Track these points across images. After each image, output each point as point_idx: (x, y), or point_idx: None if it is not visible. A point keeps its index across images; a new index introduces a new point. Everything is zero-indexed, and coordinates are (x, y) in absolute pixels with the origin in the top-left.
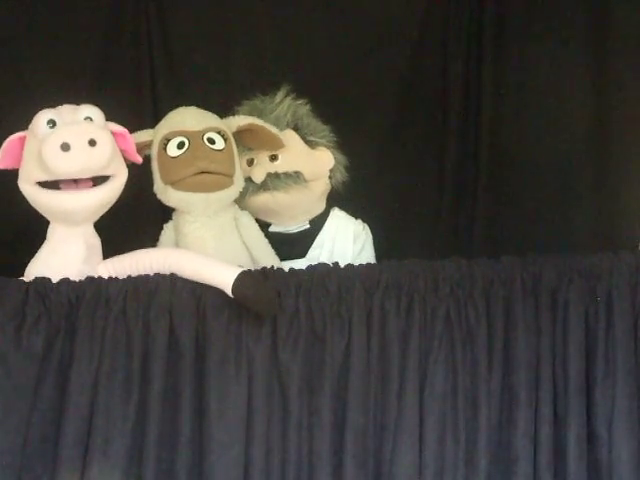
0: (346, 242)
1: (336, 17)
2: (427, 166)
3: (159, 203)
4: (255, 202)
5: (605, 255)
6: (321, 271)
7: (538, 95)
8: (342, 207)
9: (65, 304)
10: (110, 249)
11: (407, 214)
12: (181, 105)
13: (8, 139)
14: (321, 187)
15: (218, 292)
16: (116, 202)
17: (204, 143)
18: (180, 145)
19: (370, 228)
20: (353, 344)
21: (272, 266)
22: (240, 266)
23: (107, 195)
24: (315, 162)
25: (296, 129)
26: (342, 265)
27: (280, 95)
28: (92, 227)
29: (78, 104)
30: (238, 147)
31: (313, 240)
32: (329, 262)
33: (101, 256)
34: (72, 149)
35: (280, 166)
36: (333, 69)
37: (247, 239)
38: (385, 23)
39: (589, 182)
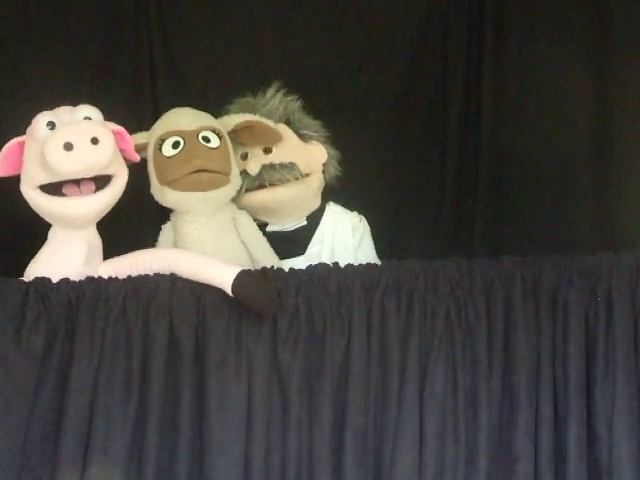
0: (345, 235)
1: (337, 16)
2: (427, 166)
3: (159, 203)
4: (254, 201)
5: (605, 255)
6: (321, 271)
7: (538, 95)
8: (343, 207)
9: (65, 304)
10: (110, 249)
11: (407, 214)
12: (181, 105)
13: (6, 145)
14: (317, 182)
15: (218, 292)
16: (116, 202)
17: (199, 142)
18: (175, 145)
19: (370, 228)
20: (353, 344)
21: (272, 266)
22: (239, 265)
23: (109, 198)
24: (309, 155)
25: (288, 123)
26: (342, 265)
27: (271, 91)
28: (95, 229)
29: (78, 104)
30: (233, 145)
31: (311, 236)
32: (330, 257)
33: (102, 257)
34: (75, 148)
35: (274, 157)
36: (333, 69)
37: (246, 238)
38: (385, 23)
39: (589, 182)
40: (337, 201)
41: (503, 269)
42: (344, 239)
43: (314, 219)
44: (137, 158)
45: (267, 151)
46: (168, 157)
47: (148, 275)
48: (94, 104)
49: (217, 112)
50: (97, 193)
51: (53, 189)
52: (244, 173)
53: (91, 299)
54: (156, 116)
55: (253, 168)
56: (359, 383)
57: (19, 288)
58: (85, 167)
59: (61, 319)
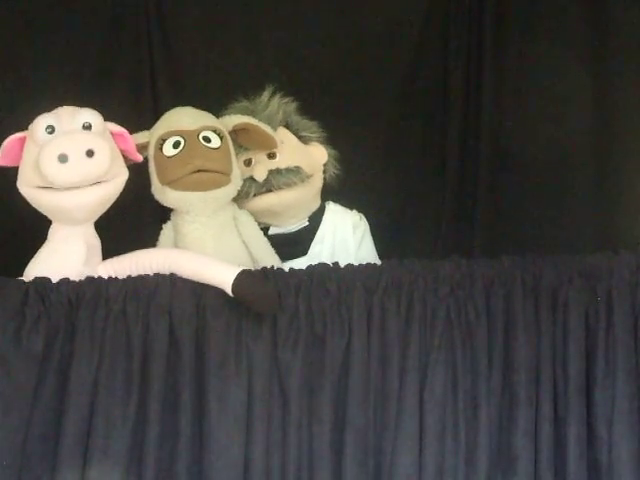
0: (346, 234)
1: (337, 17)
2: (427, 166)
3: (159, 203)
4: (260, 205)
5: (605, 255)
6: (321, 271)
7: (538, 95)
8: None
9: (65, 304)
10: (110, 249)
11: (407, 214)
12: (181, 104)
13: (7, 139)
14: (318, 182)
15: (218, 292)
16: (116, 202)
17: (199, 142)
18: (176, 144)
19: (371, 228)
20: (353, 344)
21: (272, 266)
22: (240, 265)
23: (107, 193)
24: (310, 157)
25: (287, 126)
26: (342, 264)
27: (266, 95)
28: (93, 227)
29: (78, 104)
30: (235, 149)
31: (313, 236)
32: (332, 256)
33: (101, 257)
34: (69, 160)
35: (280, 162)
36: (333, 68)
37: (247, 238)
38: (386, 23)
39: (589, 182)
40: (338, 202)
41: (503, 269)
42: (345, 237)
43: (315, 219)
44: (139, 158)
45: (271, 156)
46: (168, 157)
47: (148, 275)
48: (94, 104)
49: (217, 112)
50: (94, 185)
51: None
52: (250, 179)
53: (91, 299)
54: (156, 116)
55: (260, 175)
56: (359, 383)
57: (19, 288)
58: (80, 179)
59: (61, 319)
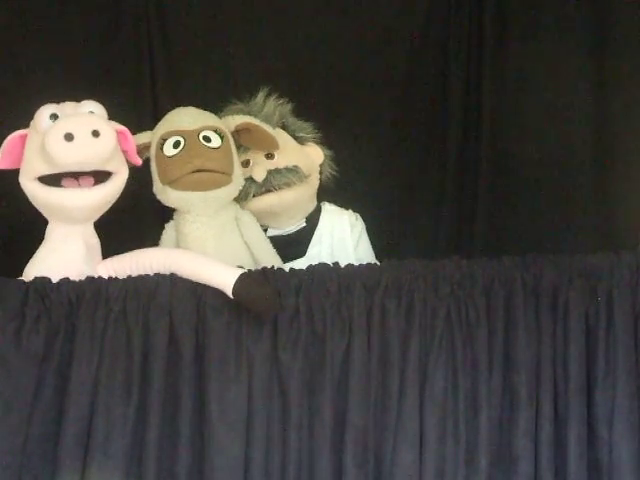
0: (344, 234)
1: (337, 17)
2: (427, 166)
3: (159, 203)
4: (260, 205)
5: (605, 255)
6: (321, 271)
7: (538, 95)
8: (343, 207)
9: (65, 304)
10: (110, 249)
11: (407, 214)
12: (181, 105)
13: (9, 137)
14: (316, 182)
15: (218, 292)
16: (116, 202)
17: (200, 141)
18: (176, 144)
19: (371, 228)
20: (353, 344)
21: (272, 266)
22: (241, 266)
23: (108, 193)
24: (307, 157)
25: (284, 127)
26: (342, 264)
27: (261, 96)
28: (92, 227)
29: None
30: (235, 147)
31: (311, 237)
32: (330, 256)
33: (100, 256)
34: (76, 139)
35: (278, 162)
36: (333, 69)
37: (249, 239)
38: (386, 23)
39: (589, 182)
40: (337, 202)
41: (503, 269)
42: (343, 237)
43: (312, 220)
44: (139, 162)
45: (269, 157)
46: (169, 156)
47: (148, 275)
48: None
49: (217, 112)
50: (95, 186)
51: (52, 181)
52: (250, 180)
53: (91, 299)
54: (156, 116)
55: (259, 175)
56: (359, 383)
57: (19, 288)
58: (84, 159)
59: (61, 319)
